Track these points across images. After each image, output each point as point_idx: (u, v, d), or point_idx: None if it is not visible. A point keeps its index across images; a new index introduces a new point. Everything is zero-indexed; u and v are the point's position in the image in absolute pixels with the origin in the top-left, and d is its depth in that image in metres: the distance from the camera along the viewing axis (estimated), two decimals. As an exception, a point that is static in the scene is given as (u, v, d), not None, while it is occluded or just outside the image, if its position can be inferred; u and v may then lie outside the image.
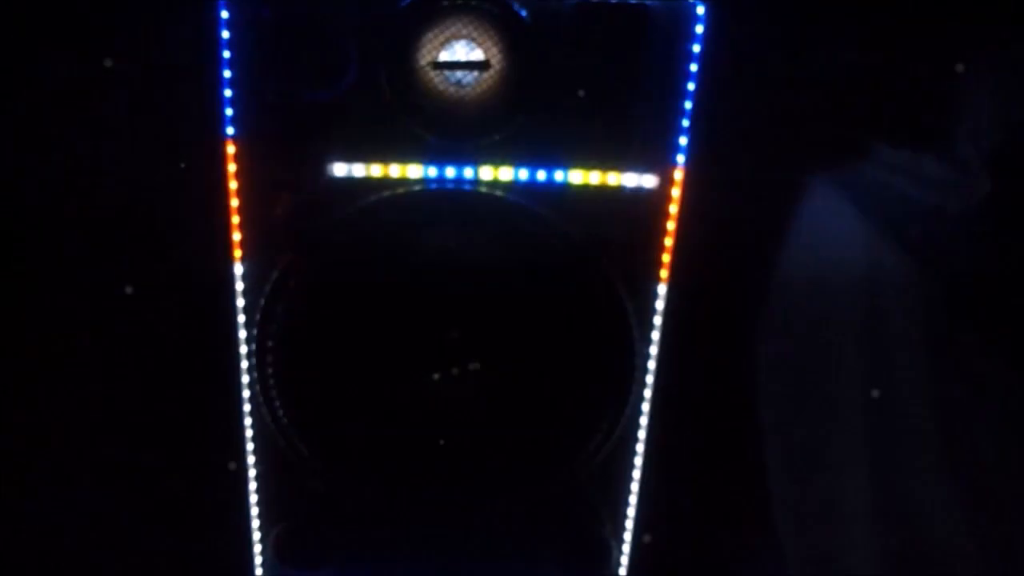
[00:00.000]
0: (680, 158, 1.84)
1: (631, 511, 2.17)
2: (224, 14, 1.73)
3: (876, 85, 1.85)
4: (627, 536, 2.19)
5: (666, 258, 1.92)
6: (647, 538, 2.19)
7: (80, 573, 2.34)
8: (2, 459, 2.14)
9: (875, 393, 2.09)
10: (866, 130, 1.90)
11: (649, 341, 1.98)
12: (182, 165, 1.88)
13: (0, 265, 2.00)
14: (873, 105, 1.88)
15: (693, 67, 1.76)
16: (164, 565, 2.23)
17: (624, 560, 2.22)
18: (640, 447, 2.10)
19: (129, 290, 2.04)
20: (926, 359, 2.09)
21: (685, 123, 1.80)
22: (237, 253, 1.87)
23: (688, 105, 1.79)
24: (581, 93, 1.76)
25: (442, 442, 2.03)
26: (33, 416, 2.11)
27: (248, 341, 1.93)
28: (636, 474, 2.13)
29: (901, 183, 1.90)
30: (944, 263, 2.02)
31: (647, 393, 2.04)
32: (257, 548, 2.20)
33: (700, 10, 1.72)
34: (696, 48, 1.75)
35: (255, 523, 2.16)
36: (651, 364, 2.01)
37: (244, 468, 2.09)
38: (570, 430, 2.01)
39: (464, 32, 1.74)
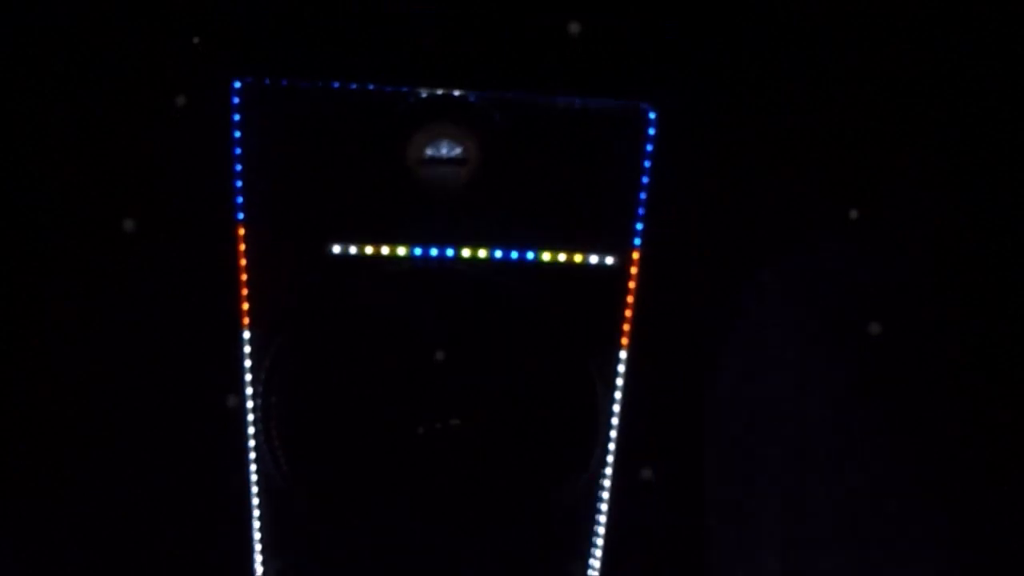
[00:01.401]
0: (637, 240, 2.09)
1: (597, 551, 2.41)
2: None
3: (807, 183, 2.11)
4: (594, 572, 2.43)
5: (626, 326, 2.17)
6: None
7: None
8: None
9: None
10: (800, 220, 2.16)
11: (612, 399, 2.22)
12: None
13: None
14: (807, 200, 2.14)
15: (647, 163, 2.02)
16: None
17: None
18: (606, 493, 2.34)
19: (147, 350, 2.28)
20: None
21: (641, 211, 2.05)
22: (245, 321, 2.11)
23: (643, 195, 2.04)
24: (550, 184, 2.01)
25: (427, 486, 2.28)
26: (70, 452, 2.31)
27: (254, 399, 2.17)
28: (602, 517, 2.37)
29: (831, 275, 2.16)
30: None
31: (612, 445, 2.28)
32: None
33: (651, 115, 1.98)
34: (648, 146, 2.00)
35: (258, 558, 2.39)
36: (615, 420, 2.25)
37: (249, 509, 2.32)
38: (540, 478, 2.25)
39: (446, 132, 2.00)
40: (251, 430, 2.22)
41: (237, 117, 2.00)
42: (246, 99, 2.03)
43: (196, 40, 2.03)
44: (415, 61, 1.99)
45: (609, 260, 2.12)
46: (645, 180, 2.04)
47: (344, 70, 2.02)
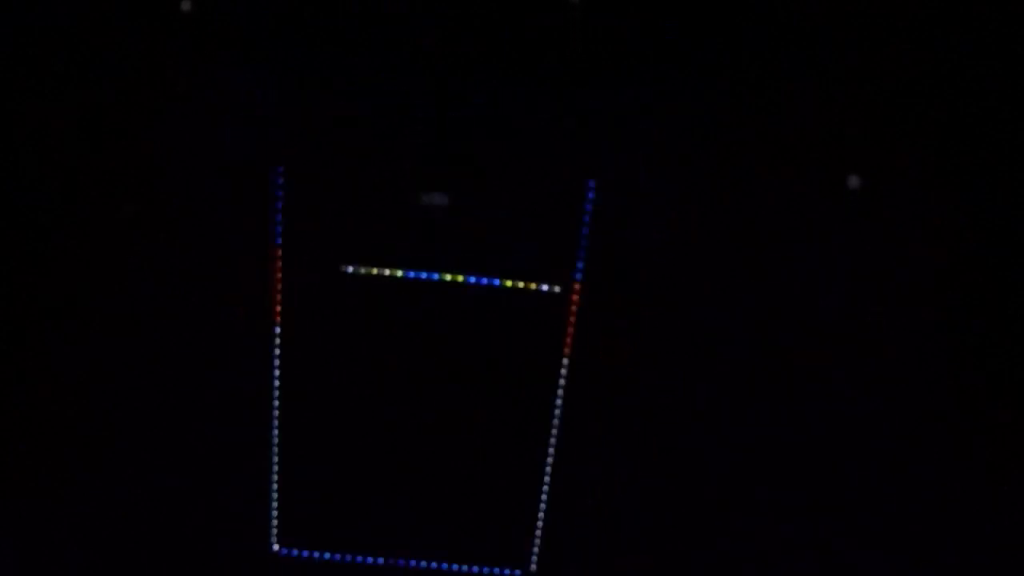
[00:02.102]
0: (578, 275, 2.76)
1: (540, 520, 3.06)
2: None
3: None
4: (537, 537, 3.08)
5: (568, 340, 2.83)
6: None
7: (134, 541, 3.17)
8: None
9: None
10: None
11: (557, 396, 2.88)
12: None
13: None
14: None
15: (586, 216, 2.68)
16: (209, 540, 3.09)
17: (535, 554, 3.10)
18: (548, 471, 2.99)
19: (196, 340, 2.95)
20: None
21: (581, 253, 2.72)
22: (277, 319, 2.79)
23: (584, 241, 2.71)
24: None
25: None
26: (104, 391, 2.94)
27: (281, 379, 2.84)
28: (545, 490, 3.02)
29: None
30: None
31: (554, 433, 2.93)
32: (274, 524, 3.09)
33: (591, 185, 2.65)
34: (587, 207, 2.67)
35: (274, 504, 3.05)
36: (557, 412, 2.91)
37: (271, 473, 2.98)
38: (497, 459, 2.92)
39: (437, 186, 2.67)
40: (276, 404, 2.89)
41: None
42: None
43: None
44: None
45: (557, 288, 2.78)
46: (585, 231, 2.70)
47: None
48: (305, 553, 3.11)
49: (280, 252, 2.74)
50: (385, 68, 2.65)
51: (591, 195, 2.67)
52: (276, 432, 2.94)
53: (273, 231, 2.73)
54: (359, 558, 3.11)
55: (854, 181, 3.00)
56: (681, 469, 3.04)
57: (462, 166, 2.69)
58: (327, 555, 3.11)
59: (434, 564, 3.10)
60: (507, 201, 2.70)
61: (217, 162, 2.73)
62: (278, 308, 2.79)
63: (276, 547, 3.10)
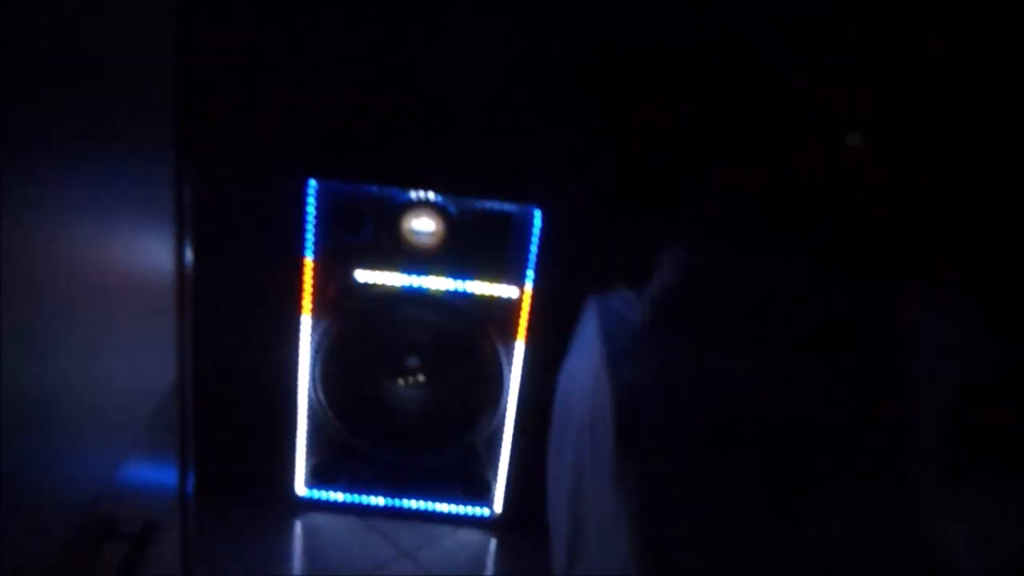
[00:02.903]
0: (529, 282, 3.73)
1: (504, 466, 4.01)
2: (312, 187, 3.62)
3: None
4: (502, 479, 4.03)
5: (522, 330, 3.79)
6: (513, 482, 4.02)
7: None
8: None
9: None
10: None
11: (510, 371, 3.84)
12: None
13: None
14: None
15: (535, 239, 3.65)
16: (239, 482, 4.03)
17: (499, 495, 4.05)
18: (509, 429, 3.95)
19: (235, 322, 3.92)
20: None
21: (532, 264, 3.69)
22: (307, 310, 3.76)
23: (533, 256, 3.68)
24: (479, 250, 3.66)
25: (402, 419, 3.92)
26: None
27: (310, 357, 3.81)
28: (507, 444, 3.98)
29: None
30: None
31: (512, 398, 3.90)
32: (300, 472, 4.04)
33: (537, 214, 3.62)
34: (537, 230, 3.64)
35: (302, 456, 4.01)
36: (515, 383, 3.87)
37: (295, 426, 3.94)
38: (470, 415, 3.89)
39: (424, 215, 3.65)
40: (304, 376, 3.86)
41: (311, 208, 3.64)
42: (319, 192, 3.67)
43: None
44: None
45: (512, 292, 3.75)
46: (534, 250, 3.67)
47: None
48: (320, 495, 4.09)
49: (312, 262, 3.72)
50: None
51: (539, 222, 3.65)
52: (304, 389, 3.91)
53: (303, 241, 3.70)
54: (357, 499, 4.07)
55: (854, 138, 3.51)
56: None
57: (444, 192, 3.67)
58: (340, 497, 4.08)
59: (409, 504, 4.06)
60: (474, 226, 3.68)
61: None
62: (306, 303, 3.77)
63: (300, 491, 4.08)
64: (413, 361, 3.87)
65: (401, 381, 3.89)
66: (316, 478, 4.06)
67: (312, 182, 3.63)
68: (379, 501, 4.08)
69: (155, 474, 1.97)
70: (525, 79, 3.68)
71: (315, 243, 3.71)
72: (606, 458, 2.95)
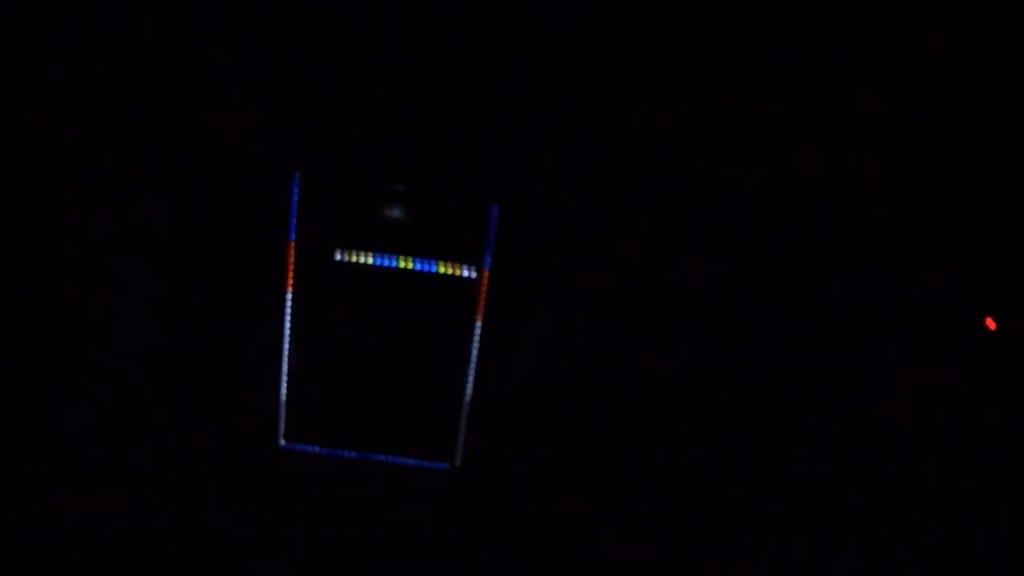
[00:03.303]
0: (487, 264, 4.21)
1: (463, 432, 4.53)
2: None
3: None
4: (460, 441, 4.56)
5: (480, 307, 4.29)
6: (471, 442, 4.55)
7: (152, 432, 4.65)
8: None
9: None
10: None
11: (472, 344, 4.35)
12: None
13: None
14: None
15: (491, 232, 4.13)
16: (225, 435, 4.53)
17: (458, 454, 4.58)
18: (467, 396, 4.46)
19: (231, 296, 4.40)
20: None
21: (488, 250, 4.17)
22: (290, 286, 4.24)
23: (491, 241, 4.16)
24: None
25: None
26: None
27: (291, 328, 4.30)
28: (465, 412, 4.49)
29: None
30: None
31: (471, 368, 4.40)
32: (281, 428, 4.54)
33: (495, 209, 4.10)
34: (494, 219, 4.12)
35: (282, 414, 4.50)
36: (474, 353, 4.37)
37: (278, 384, 4.43)
38: (433, 385, 4.40)
39: (396, 204, 4.12)
40: (286, 345, 4.35)
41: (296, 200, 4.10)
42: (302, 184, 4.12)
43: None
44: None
45: (472, 274, 4.24)
46: (492, 235, 4.15)
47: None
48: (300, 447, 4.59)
49: (293, 244, 4.19)
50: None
51: (495, 216, 4.13)
52: (285, 359, 4.40)
53: (288, 226, 4.17)
54: (333, 452, 4.58)
55: None
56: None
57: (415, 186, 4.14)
58: (315, 449, 4.59)
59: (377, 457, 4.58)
60: (442, 214, 4.16)
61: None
62: (289, 281, 4.24)
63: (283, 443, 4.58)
64: (385, 334, 4.37)
65: (376, 348, 4.39)
66: (295, 434, 4.56)
67: (297, 174, 4.08)
68: (351, 454, 4.59)
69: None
70: (489, 84, 4.13)
71: (298, 226, 4.17)
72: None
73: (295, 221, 4.15)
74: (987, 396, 3.18)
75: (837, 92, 3.42)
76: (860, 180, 3.46)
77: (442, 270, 4.24)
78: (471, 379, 4.44)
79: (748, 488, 4.13)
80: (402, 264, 4.22)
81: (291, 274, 4.23)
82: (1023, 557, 2.98)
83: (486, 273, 4.25)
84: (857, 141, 3.44)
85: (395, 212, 4.15)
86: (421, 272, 4.24)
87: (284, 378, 4.44)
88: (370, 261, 4.22)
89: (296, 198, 4.11)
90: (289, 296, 4.27)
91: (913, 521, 3.39)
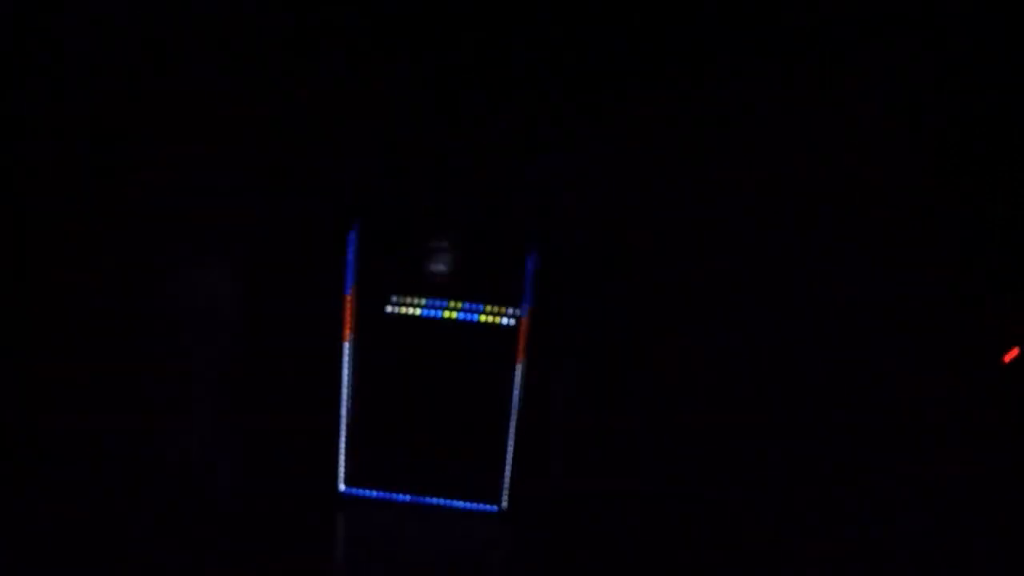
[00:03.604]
0: (527, 313, 4.58)
1: (509, 469, 4.80)
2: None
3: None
4: (506, 483, 4.83)
5: (520, 351, 4.64)
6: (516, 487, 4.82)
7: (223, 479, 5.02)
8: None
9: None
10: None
11: (515, 387, 4.67)
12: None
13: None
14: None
15: (529, 278, 4.52)
16: (289, 480, 4.89)
17: (504, 495, 4.84)
18: (511, 440, 4.76)
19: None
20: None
21: (527, 299, 4.55)
22: (347, 334, 4.66)
23: (528, 290, 4.54)
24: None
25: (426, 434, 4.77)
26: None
27: (349, 376, 4.70)
28: (511, 451, 4.78)
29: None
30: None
31: (514, 413, 4.72)
32: (341, 474, 4.89)
33: (533, 258, 4.50)
34: (530, 271, 4.51)
35: (342, 459, 4.85)
36: (517, 396, 4.69)
37: (338, 431, 4.80)
38: (481, 427, 4.72)
39: (441, 257, 4.55)
40: (344, 391, 4.74)
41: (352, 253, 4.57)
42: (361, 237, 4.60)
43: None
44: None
45: (512, 321, 4.61)
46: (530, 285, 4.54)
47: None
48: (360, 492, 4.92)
49: (351, 294, 4.63)
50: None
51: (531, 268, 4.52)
52: (344, 404, 4.78)
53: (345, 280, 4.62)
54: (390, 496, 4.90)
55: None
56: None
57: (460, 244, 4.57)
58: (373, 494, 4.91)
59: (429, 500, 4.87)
60: (483, 266, 4.57)
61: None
62: (347, 331, 4.67)
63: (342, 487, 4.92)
64: (436, 380, 4.74)
65: (425, 395, 4.75)
66: (354, 479, 4.91)
67: (353, 231, 4.57)
68: (406, 497, 4.90)
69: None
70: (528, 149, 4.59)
71: (354, 280, 4.62)
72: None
73: (352, 274, 4.60)
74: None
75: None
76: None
77: (484, 318, 4.62)
78: (514, 421, 4.75)
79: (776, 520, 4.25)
80: (448, 313, 4.62)
81: (348, 324, 4.66)
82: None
83: (525, 319, 4.62)
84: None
85: (440, 266, 4.57)
86: (465, 320, 4.63)
87: (343, 424, 4.82)
88: (419, 312, 4.63)
89: (352, 254, 4.57)
90: (347, 345, 4.69)
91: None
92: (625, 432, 4.70)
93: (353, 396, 4.77)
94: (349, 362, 4.73)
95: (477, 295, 4.60)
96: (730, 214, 4.01)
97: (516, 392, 4.71)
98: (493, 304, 4.62)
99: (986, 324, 3.36)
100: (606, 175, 4.39)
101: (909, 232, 3.57)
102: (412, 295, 4.61)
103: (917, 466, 3.40)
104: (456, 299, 4.61)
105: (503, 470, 4.85)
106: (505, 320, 4.63)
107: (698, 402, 4.32)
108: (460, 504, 4.90)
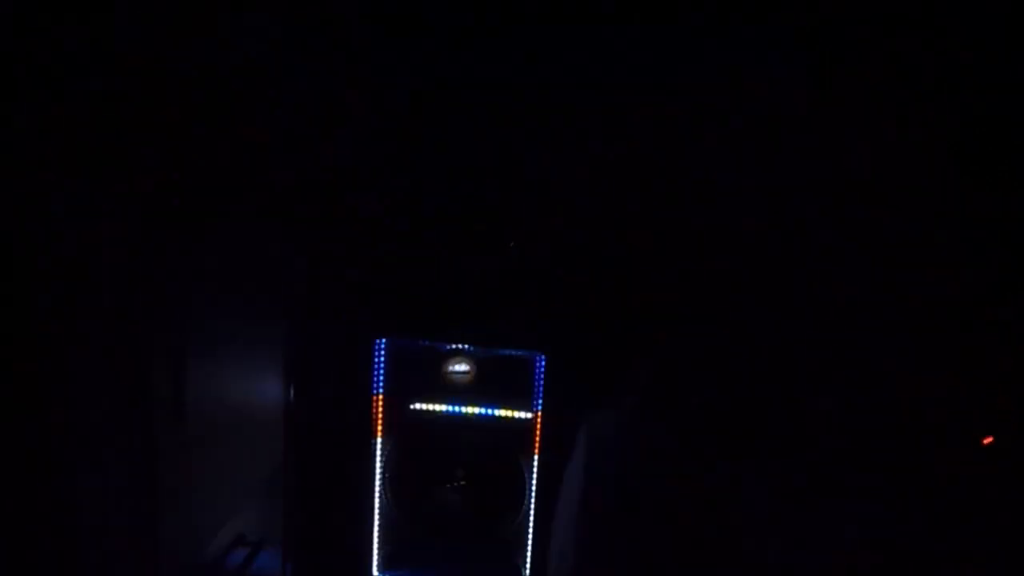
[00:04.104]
0: (539, 409, 5.01)
1: (529, 553, 5.19)
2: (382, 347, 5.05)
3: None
4: (528, 563, 5.21)
5: (536, 445, 5.06)
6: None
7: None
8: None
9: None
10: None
11: (531, 477, 5.09)
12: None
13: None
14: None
15: (541, 376, 4.96)
16: (322, 565, 5.33)
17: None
18: (531, 524, 5.16)
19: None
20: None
21: (539, 395, 4.99)
22: (379, 431, 5.13)
23: (540, 389, 4.98)
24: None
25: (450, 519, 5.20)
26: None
27: (381, 469, 5.16)
28: (530, 537, 5.17)
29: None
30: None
31: (532, 499, 5.12)
32: (375, 559, 5.32)
33: (542, 359, 4.94)
34: (542, 369, 4.96)
35: (375, 545, 5.29)
36: (533, 486, 5.10)
37: (371, 519, 5.24)
38: (501, 514, 5.13)
39: (459, 360, 5.02)
40: (378, 483, 5.19)
41: (382, 362, 5.07)
42: (387, 349, 5.10)
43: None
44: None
45: (528, 415, 5.04)
46: (542, 385, 4.98)
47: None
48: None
49: (381, 397, 5.11)
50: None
51: (542, 366, 4.97)
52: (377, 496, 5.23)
53: (376, 382, 5.11)
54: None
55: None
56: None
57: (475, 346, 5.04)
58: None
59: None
60: (497, 368, 5.02)
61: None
62: (378, 429, 5.14)
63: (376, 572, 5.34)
64: (459, 472, 5.17)
65: (448, 486, 5.19)
66: (387, 563, 5.33)
67: (382, 340, 5.07)
68: (436, 581, 5.31)
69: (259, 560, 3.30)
70: (535, 262, 5.07)
71: (383, 383, 5.11)
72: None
73: (381, 378, 5.09)
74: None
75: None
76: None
77: (501, 414, 5.07)
78: (532, 508, 5.15)
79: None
80: (468, 411, 5.07)
81: (379, 422, 5.14)
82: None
83: (539, 414, 5.05)
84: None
85: (459, 370, 5.04)
86: (484, 417, 5.07)
87: (376, 513, 5.26)
88: (441, 409, 5.09)
89: (382, 359, 5.07)
90: (379, 441, 5.16)
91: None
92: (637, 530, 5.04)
93: (385, 485, 5.22)
94: (381, 455, 5.19)
95: (494, 395, 5.06)
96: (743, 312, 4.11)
97: (532, 481, 5.12)
98: (509, 402, 5.07)
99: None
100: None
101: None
102: (435, 397, 5.08)
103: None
104: (475, 400, 5.07)
105: (524, 552, 5.24)
106: (519, 416, 5.07)
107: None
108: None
